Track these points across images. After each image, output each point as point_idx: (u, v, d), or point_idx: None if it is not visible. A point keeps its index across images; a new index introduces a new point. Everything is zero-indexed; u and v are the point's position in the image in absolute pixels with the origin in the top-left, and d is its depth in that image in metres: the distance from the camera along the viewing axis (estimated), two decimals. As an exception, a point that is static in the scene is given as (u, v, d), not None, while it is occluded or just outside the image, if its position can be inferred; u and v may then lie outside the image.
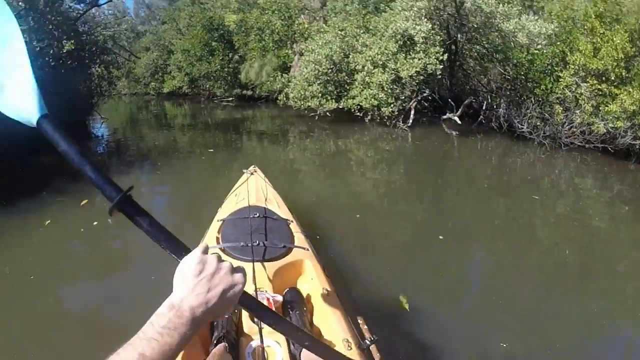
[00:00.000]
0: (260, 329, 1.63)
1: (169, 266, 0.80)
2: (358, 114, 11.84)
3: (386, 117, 11.23)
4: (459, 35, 11.79)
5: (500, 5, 10.18)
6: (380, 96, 10.78)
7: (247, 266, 2.06)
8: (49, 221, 4.69)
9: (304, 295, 2.11)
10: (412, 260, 3.96)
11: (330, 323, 1.90)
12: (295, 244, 2.46)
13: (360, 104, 11.32)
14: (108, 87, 16.22)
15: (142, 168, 8.08)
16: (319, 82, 12.12)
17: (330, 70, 12.10)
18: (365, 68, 11.10)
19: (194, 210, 5.21)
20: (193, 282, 0.71)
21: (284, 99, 13.37)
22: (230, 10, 22.34)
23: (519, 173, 7.92)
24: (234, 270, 0.77)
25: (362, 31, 12.43)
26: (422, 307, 3.06)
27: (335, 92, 12.28)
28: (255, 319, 1.76)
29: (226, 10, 22.76)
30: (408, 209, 5.58)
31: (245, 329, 1.81)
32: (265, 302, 1.83)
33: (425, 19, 10.87)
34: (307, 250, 2.46)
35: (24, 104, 0.85)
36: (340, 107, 11.89)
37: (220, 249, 2.36)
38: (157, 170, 7.64)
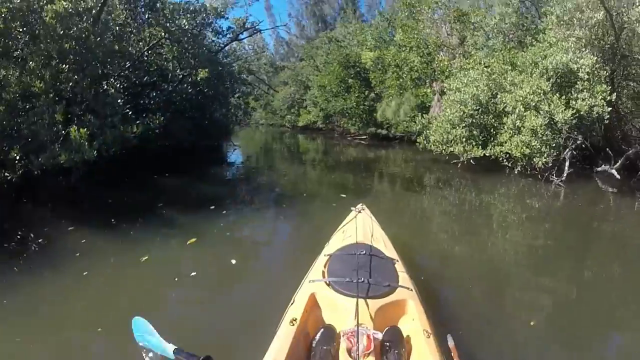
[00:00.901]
0: None
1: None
2: (506, 163, 10.59)
3: (537, 169, 9.91)
4: (616, 70, 10.18)
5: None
6: (533, 144, 9.55)
7: (351, 302, 2.19)
8: (195, 239, 4.71)
9: (404, 335, 2.11)
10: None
11: None
12: (400, 283, 2.50)
13: (509, 152, 10.17)
14: (243, 116, 17.26)
15: (266, 202, 8.03)
16: (463, 125, 11.23)
17: (476, 112, 11.17)
18: (517, 110, 9.92)
19: (310, 245, 4.53)
20: None
21: (424, 142, 12.57)
22: (367, 47, 22.54)
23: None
24: None
25: (509, 68, 11.39)
26: None
27: (480, 138, 11.30)
28: (352, 354, 1.87)
29: (362, 48, 23.05)
30: (549, 290, 4.19)
31: None
32: (365, 339, 1.92)
33: (586, 51, 9.60)
34: (411, 290, 2.48)
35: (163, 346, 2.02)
36: (487, 154, 10.83)
37: (326, 282, 2.48)
38: (280, 205, 7.55)
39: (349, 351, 1.92)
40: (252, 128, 37.65)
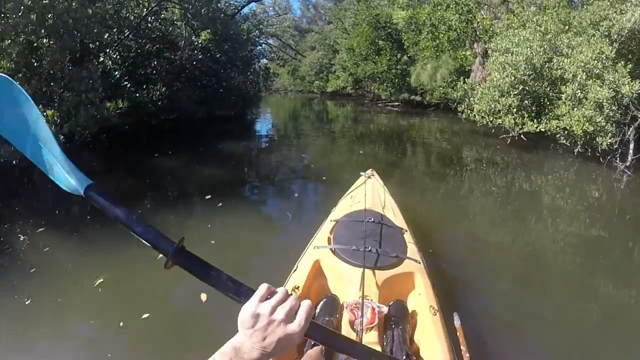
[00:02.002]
0: (360, 338, 1.60)
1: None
2: (563, 141, 8.90)
3: (599, 152, 8.16)
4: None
5: None
6: (597, 120, 7.90)
7: (357, 272, 2.07)
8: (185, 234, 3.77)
9: (409, 310, 2.03)
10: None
11: (432, 343, 1.82)
12: (408, 255, 2.38)
13: (568, 127, 8.51)
14: (264, 81, 16.12)
15: (274, 189, 6.80)
16: (515, 92, 9.53)
17: (529, 78, 9.44)
18: (578, 78, 8.29)
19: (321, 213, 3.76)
20: (250, 331, 0.72)
21: (467, 111, 11.00)
22: (399, 6, 20.71)
23: None
24: (290, 318, 0.74)
25: (564, 28, 9.72)
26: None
27: (532, 109, 9.67)
28: (355, 326, 1.76)
29: (394, 7, 21.24)
30: (589, 294, 3.55)
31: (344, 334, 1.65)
32: (369, 311, 1.80)
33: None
34: (419, 263, 2.35)
35: (70, 178, 0.87)
36: (542, 129, 9.17)
37: (331, 250, 2.34)
38: (290, 194, 6.36)
39: (351, 323, 1.81)
40: (280, 95, 36.69)
